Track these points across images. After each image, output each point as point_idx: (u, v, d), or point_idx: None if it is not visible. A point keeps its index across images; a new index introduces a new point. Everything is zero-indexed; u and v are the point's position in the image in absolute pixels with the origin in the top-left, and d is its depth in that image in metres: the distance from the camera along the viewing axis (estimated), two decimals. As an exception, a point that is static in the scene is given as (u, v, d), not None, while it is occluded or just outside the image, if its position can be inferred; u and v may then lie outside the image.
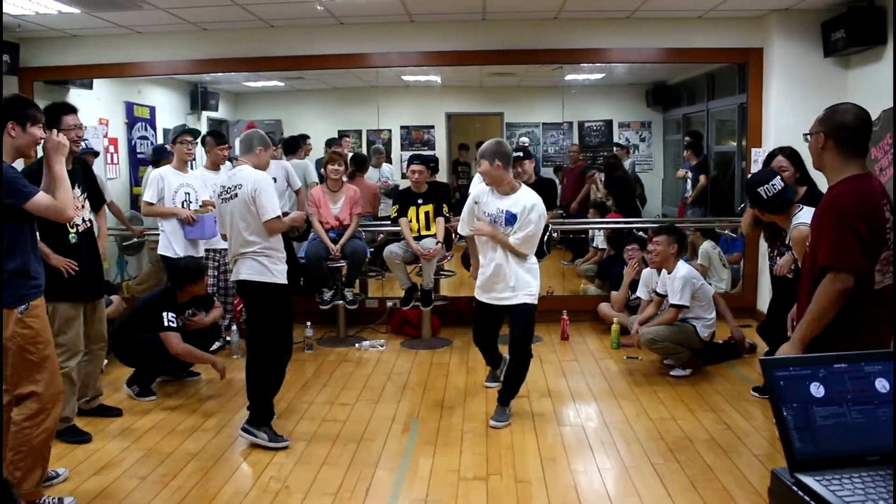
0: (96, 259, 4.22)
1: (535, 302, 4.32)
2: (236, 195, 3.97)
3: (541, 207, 4.24)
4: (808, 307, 2.66)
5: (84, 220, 4.10)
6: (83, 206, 4.10)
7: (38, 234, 3.31)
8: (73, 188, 3.98)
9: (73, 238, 4.02)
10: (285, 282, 4.07)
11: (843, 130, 2.63)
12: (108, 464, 3.80)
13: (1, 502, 1.80)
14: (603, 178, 8.67)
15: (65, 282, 3.96)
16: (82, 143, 5.63)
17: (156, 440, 4.13)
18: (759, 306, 6.70)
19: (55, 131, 3.26)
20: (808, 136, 2.75)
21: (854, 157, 2.63)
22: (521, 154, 6.03)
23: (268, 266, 4.00)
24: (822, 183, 3.84)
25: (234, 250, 4.05)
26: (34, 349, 3.09)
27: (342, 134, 9.90)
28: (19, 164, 3.33)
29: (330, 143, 8.91)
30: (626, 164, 9.15)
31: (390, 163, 9.60)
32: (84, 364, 4.31)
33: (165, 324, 4.74)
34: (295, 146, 7.47)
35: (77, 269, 4.00)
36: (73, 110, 4.01)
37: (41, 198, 3.01)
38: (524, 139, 10.34)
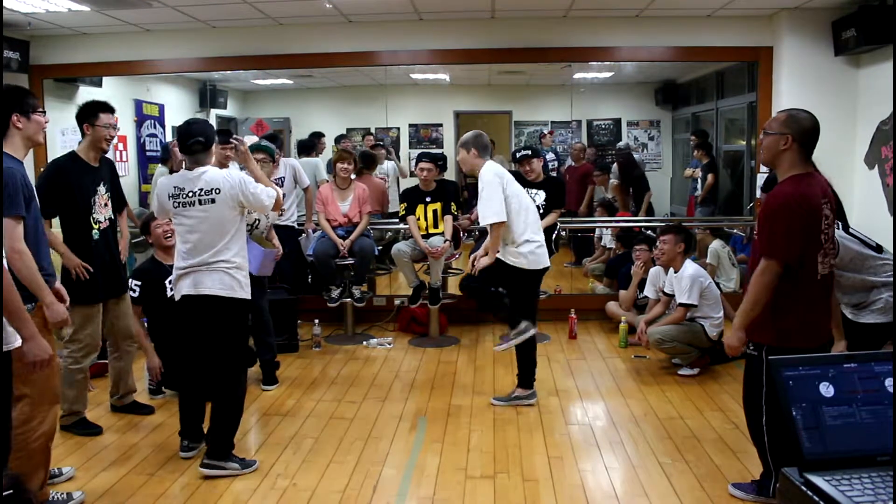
0: (116, 257, 4.24)
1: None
2: (213, 200, 3.57)
3: (485, 175, 4.44)
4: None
5: (106, 219, 4.14)
6: (107, 205, 4.14)
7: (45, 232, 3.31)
8: (99, 186, 4.06)
9: (95, 234, 4.06)
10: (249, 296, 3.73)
11: (806, 135, 2.95)
12: (117, 459, 3.82)
13: (16, 500, 1.81)
14: (615, 179, 8.65)
15: (81, 284, 3.96)
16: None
17: (165, 436, 4.14)
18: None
19: None
20: (766, 135, 3.02)
21: (806, 159, 2.97)
22: (528, 153, 6.03)
23: (239, 280, 3.65)
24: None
25: (200, 260, 3.61)
26: None
27: (349, 131, 9.91)
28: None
29: (339, 139, 8.89)
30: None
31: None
32: (114, 361, 4.42)
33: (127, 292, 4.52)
34: (311, 148, 7.49)
35: (90, 273, 4.00)
36: (111, 109, 4.07)
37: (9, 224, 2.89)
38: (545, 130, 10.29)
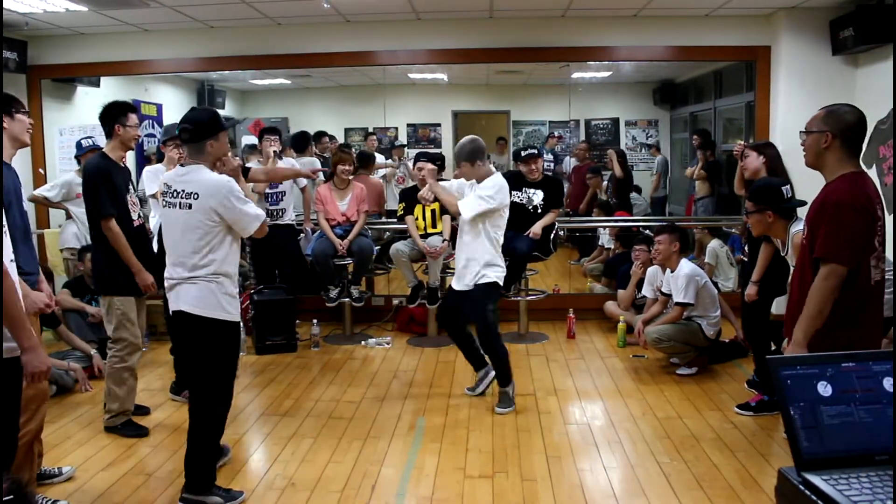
0: (146, 256, 4.20)
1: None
2: (190, 205, 3.17)
3: (488, 188, 4.41)
4: (802, 302, 2.77)
5: (140, 216, 4.18)
6: (136, 204, 4.16)
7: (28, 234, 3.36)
8: (129, 185, 4.11)
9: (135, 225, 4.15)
10: (237, 318, 3.32)
11: (848, 130, 2.74)
12: (116, 460, 3.82)
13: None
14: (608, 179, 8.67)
15: (120, 276, 3.99)
16: (90, 141, 5.69)
17: (163, 436, 4.14)
18: (766, 305, 6.67)
19: None
20: (806, 134, 2.84)
21: (853, 156, 2.76)
22: (534, 152, 6.03)
23: (217, 297, 3.21)
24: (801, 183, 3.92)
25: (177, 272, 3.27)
26: None
27: (348, 131, 9.92)
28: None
29: (318, 137, 8.62)
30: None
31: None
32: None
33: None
34: (305, 143, 7.44)
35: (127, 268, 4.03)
36: (135, 109, 4.12)
37: None
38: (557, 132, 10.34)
